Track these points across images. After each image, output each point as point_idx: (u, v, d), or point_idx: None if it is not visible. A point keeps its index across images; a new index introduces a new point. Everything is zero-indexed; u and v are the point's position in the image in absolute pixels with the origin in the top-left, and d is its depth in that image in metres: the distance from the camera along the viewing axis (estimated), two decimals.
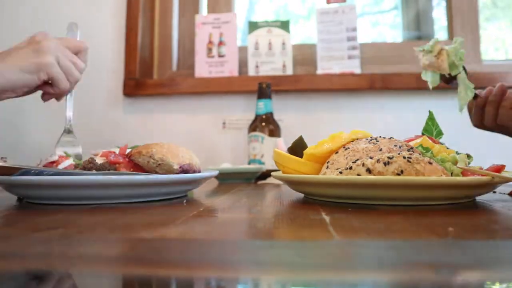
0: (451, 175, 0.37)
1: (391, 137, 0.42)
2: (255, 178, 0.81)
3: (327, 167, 0.41)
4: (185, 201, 0.42)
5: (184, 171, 0.44)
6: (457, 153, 0.42)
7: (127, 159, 0.45)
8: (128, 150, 0.47)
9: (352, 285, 0.17)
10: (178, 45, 1.25)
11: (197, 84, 1.12)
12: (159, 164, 0.43)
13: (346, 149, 0.42)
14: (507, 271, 0.17)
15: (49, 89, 0.55)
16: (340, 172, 0.38)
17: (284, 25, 1.16)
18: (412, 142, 0.44)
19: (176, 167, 0.43)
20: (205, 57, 1.16)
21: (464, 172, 0.38)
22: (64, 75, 0.55)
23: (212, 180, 0.78)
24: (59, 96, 0.58)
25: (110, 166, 0.43)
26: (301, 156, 0.45)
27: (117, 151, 0.47)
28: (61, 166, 0.45)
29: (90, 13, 1.20)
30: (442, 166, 0.37)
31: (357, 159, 0.38)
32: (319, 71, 1.12)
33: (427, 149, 0.41)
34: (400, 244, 0.21)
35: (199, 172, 0.47)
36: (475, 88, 0.62)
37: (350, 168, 0.37)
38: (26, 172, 0.38)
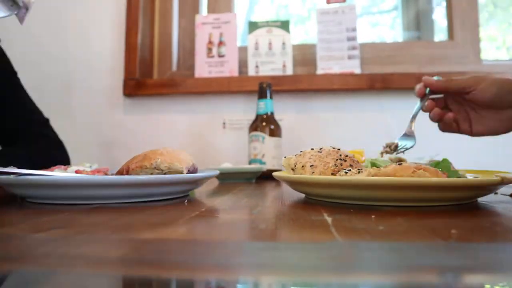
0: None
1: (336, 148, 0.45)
2: (256, 178, 0.81)
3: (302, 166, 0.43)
4: (186, 201, 0.42)
5: (189, 173, 0.44)
6: None
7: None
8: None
9: (354, 286, 0.16)
10: (178, 45, 1.25)
11: (197, 84, 1.12)
12: (165, 173, 0.42)
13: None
14: (510, 273, 0.17)
15: None
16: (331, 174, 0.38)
17: (284, 25, 1.16)
18: None
19: (185, 171, 0.43)
20: (205, 57, 1.16)
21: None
22: None
23: (212, 180, 0.78)
24: None
25: None
26: None
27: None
28: None
29: (90, 13, 1.20)
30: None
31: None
32: (319, 71, 1.12)
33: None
34: (402, 246, 0.21)
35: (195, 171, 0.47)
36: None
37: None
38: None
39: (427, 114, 0.67)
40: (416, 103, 0.66)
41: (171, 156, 0.43)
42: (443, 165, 0.42)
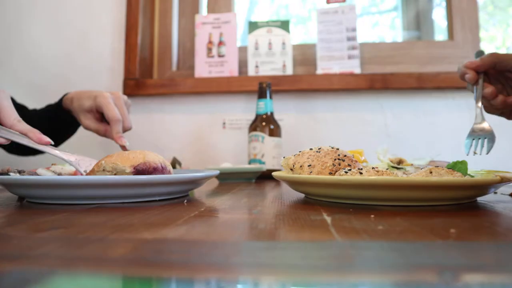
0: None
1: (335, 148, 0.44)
2: (256, 178, 0.81)
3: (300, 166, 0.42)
4: (185, 201, 0.42)
5: (139, 171, 0.42)
6: None
7: None
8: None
9: (353, 286, 0.16)
10: (178, 45, 1.25)
11: (197, 84, 1.12)
12: (115, 174, 0.42)
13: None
14: (509, 273, 0.17)
15: None
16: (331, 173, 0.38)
17: (284, 25, 1.16)
18: None
19: (128, 170, 0.42)
20: (205, 57, 1.16)
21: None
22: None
23: (212, 180, 0.78)
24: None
25: None
26: None
27: None
28: None
29: (90, 13, 1.20)
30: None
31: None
32: (319, 71, 1.12)
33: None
34: (401, 246, 0.21)
35: (164, 168, 0.45)
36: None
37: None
38: None
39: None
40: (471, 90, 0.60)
41: (117, 156, 0.43)
42: (460, 167, 0.42)
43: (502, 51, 1.31)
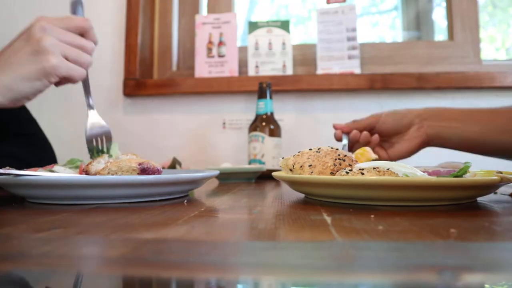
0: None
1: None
2: (256, 178, 0.81)
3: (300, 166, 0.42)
4: (186, 201, 0.42)
5: (144, 169, 0.43)
6: None
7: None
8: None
9: (353, 286, 0.16)
10: (178, 45, 1.25)
11: (197, 84, 1.12)
12: (122, 172, 0.42)
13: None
14: (509, 273, 0.17)
15: (63, 82, 0.54)
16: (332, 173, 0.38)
17: (284, 25, 1.16)
18: None
19: (134, 165, 0.42)
20: (205, 57, 1.16)
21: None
22: (76, 66, 0.52)
23: (212, 180, 0.78)
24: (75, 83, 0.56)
25: None
26: None
27: None
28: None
29: (89, 13, 1.20)
30: None
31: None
32: (319, 71, 1.12)
33: None
34: (401, 246, 0.21)
35: (159, 172, 0.46)
36: None
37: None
38: None
39: None
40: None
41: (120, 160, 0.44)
42: (464, 168, 0.41)
43: (502, 51, 1.31)
